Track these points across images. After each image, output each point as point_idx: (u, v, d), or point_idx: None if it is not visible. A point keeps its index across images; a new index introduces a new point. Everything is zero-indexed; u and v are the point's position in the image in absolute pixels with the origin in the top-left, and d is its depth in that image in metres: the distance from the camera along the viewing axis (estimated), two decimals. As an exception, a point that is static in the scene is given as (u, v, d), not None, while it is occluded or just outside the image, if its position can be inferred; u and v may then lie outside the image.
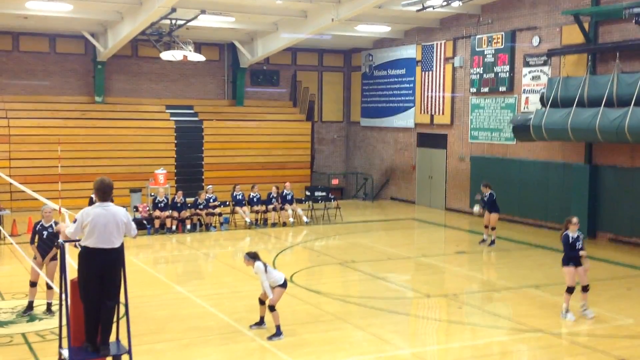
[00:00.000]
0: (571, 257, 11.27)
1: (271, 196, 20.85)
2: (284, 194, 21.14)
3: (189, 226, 19.70)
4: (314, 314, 11.61)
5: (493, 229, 17.85)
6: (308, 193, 22.59)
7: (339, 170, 29.75)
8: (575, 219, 11.45)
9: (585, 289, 11.37)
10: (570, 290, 11.27)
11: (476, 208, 18.32)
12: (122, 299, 7.02)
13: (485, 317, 11.66)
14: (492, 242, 17.72)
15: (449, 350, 10.12)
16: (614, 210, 18.52)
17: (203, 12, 20.59)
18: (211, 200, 20.31)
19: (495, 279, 14.38)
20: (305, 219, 21.07)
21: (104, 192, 7.04)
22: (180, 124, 25.69)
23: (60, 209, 9.26)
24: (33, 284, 11.40)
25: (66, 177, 20.03)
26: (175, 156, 25.30)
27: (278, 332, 10.17)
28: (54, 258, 11.26)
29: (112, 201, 7.31)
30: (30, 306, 11.45)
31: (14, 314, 11.42)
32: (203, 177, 25.56)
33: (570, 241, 11.30)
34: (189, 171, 25.44)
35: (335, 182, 27.81)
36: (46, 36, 24.92)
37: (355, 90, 29.46)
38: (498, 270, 15.31)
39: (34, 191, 12.86)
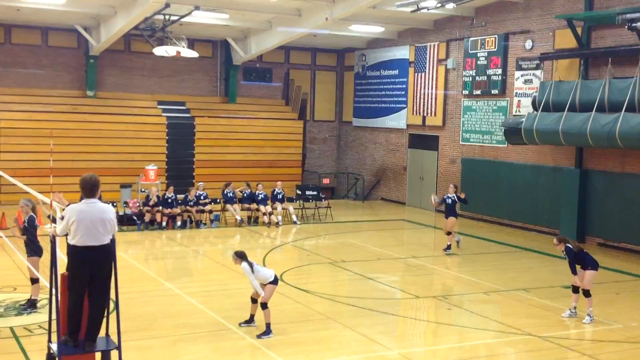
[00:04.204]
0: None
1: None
2: (274, 192, 21.14)
3: (179, 223, 19.66)
4: (304, 312, 11.61)
5: (449, 233, 17.21)
6: (299, 192, 22.60)
7: (330, 169, 29.76)
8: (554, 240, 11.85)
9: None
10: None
11: (433, 197, 18.08)
12: (112, 294, 7.00)
13: (474, 319, 11.70)
14: (448, 248, 17.10)
15: (436, 352, 10.15)
16: (603, 215, 18.62)
17: (197, 8, 20.53)
18: (202, 197, 20.27)
19: (485, 281, 14.43)
20: (294, 218, 21.06)
21: (90, 189, 6.97)
22: (172, 120, 25.61)
23: (51, 202, 9.21)
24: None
25: (56, 171, 19.90)
26: (166, 152, 25.21)
27: (268, 331, 10.17)
28: (28, 253, 11.09)
29: (100, 198, 7.26)
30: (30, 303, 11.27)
31: (2, 307, 11.35)
32: (194, 173, 25.50)
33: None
34: (179, 167, 25.37)
35: (326, 181, 27.81)
36: (38, 29, 24.77)
37: (348, 90, 29.47)
38: (487, 273, 15.36)
39: (24, 185, 12.78)
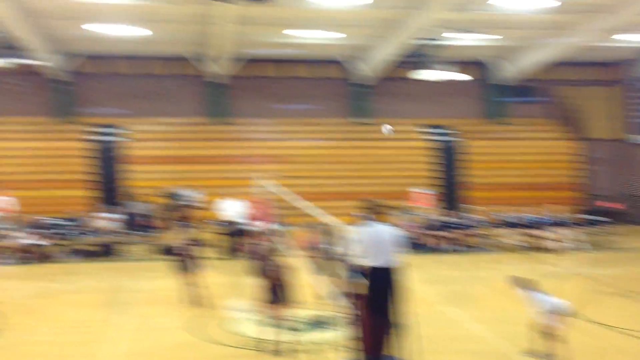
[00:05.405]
0: None
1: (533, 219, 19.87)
2: (555, 217, 20.06)
3: (455, 247, 19.43)
4: (596, 346, 10.54)
5: None
6: (584, 216, 21.10)
7: (618, 192, 27.26)
8: None
9: None
10: None
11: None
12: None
13: None
14: None
15: None
16: None
17: (467, 31, 20.27)
18: (475, 221, 19.88)
19: None
20: (579, 244, 19.59)
21: (377, 212, 7.17)
22: (439, 143, 25.63)
23: (338, 226, 9.52)
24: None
25: (333, 195, 20.91)
26: (436, 176, 25.21)
27: (552, 361, 9.36)
28: (323, 273, 11.57)
29: (384, 221, 7.34)
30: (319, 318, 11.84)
31: (303, 323, 11.87)
32: (465, 196, 25.11)
33: None
34: (450, 191, 25.20)
35: (614, 205, 25.62)
36: (304, 62, 26.26)
37: (625, 104, 26.91)
38: None
39: (314, 208, 13.32)
